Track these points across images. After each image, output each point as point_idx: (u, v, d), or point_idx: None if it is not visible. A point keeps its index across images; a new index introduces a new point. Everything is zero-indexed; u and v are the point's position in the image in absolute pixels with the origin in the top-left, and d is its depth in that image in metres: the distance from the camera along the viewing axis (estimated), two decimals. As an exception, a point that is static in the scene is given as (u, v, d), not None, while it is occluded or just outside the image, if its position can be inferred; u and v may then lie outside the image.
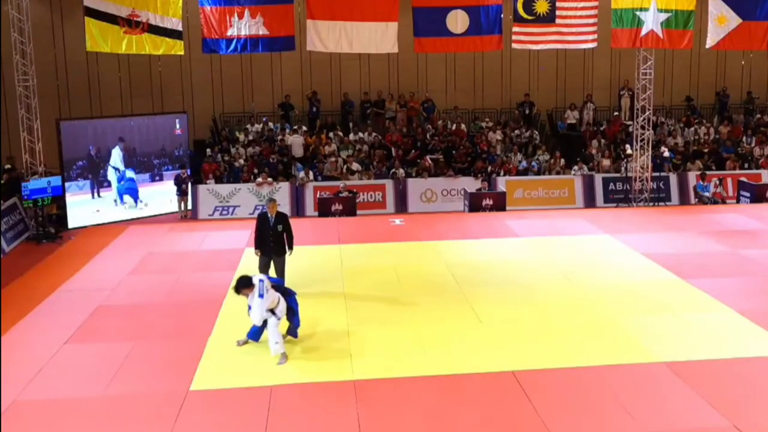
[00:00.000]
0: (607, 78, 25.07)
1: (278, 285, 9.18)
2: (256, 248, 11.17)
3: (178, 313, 10.64)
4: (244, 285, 8.70)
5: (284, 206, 19.64)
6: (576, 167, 21.11)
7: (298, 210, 19.71)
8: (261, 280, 8.66)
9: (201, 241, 15.12)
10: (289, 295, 9.09)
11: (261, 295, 8.55)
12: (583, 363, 8.63)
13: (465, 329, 9.83)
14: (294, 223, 16.12)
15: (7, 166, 18.31)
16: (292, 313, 9.10)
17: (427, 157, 21.17)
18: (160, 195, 19.36)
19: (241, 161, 20.98)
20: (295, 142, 21.86)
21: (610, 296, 11.06)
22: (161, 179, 19.44)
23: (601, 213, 18.28)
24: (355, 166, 20.53)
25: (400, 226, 16.45)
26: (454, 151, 21.59)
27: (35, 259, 14.25)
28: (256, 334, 9.11)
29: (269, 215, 11.07)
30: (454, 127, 22.99)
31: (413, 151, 21.76)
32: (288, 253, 11.08)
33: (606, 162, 21.39)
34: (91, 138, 18.23)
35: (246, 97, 23.97)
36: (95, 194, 18.29)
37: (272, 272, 10.77)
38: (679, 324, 9.89)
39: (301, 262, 13.36)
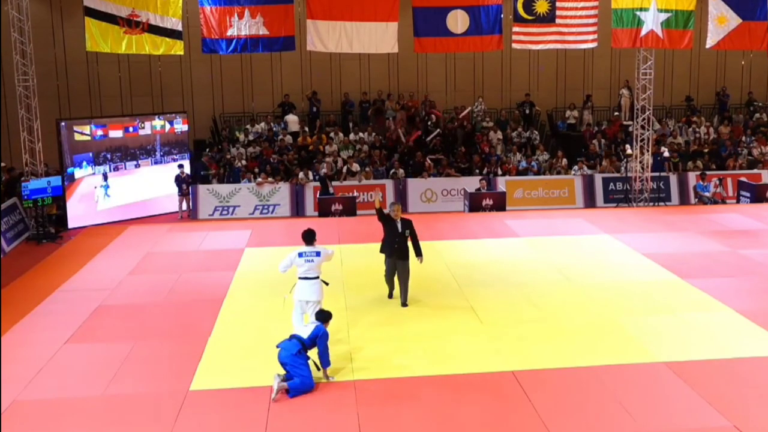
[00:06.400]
0: (607, 78, 25.06)
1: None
2: (381, 251, 10.91)
3: (178, 313, 10.64)
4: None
5: (284, 206, 19.69)
6: (576, 167, 21.10)
7: (298, 210, 19.70)
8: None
9: (201, 241, 15.11)
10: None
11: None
12: (583, 363, 8.64)
13: (465, 329, 9.84)
14: (294, 223, 16.17)
15: (7, 166, 18.32)
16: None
17: (428, 158, 21.15)
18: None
19: (242, 162, 20.95)
20: (291, 119, 22.40)
21: (610, 296, 11.06)
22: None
23: (601, 213, 18.27)
24: (355, 167, 20.51)
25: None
26: (450, 155, 21.57)
27: (35, 259, 14.26)
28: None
29: (394, 219, 10.78)
30: (455, 123, 22.96)
31: (419, 136, 21.85)
32: (419, 260, 10.77)
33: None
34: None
35: (246, 97, 23.97)
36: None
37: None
38: (679, 324, 9.89)
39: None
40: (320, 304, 9.17)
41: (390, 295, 11.04)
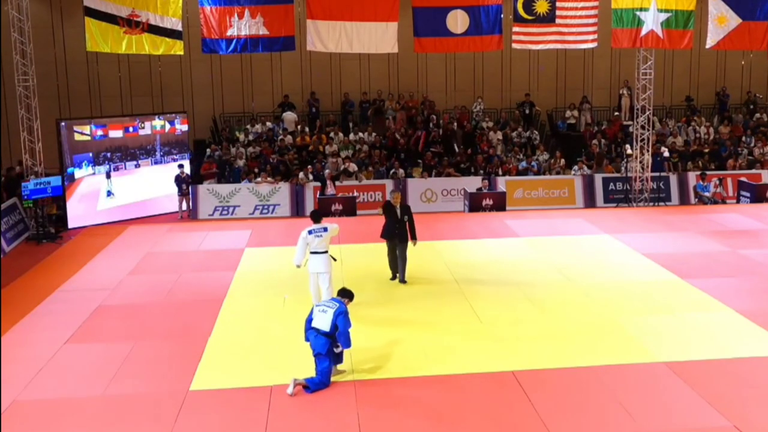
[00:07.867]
0: (607, 78, 25.07)
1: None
2: (382, 236, 11.93)
3: (178, 313, 10.65)
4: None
5: (284, 206, 19.68)
6: (576, 167, 21.10)
7: (298, 210, 19.68)
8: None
9: (201, 241, 15.12)
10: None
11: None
12: (583, 363, 8.64)
13: (465, 329, 9.84)
14: (294, 223, 16.19)
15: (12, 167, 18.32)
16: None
17: (429, 152, 21.19)
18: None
19: (241, 162, 20.95)
20: (288, 118, 22.55)
21: (610, 296, 11.06)
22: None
23: (601, 213, 18.27)
24: (352, 167, 20.51)
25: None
26: (449, 155, 21.57)
27: (35, 259, 14.26)
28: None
29: (394, 205, 11.80)
30: (455, 125, 22.96)
31: (418, 139, 21.88)
32: (413, 243, 11.80)
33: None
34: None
35: (246, 97, 23.97)
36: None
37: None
38: (679, 324, 9.89)
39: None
40: (329, 275, 10.19)
41: (393, 278, 11.93)
